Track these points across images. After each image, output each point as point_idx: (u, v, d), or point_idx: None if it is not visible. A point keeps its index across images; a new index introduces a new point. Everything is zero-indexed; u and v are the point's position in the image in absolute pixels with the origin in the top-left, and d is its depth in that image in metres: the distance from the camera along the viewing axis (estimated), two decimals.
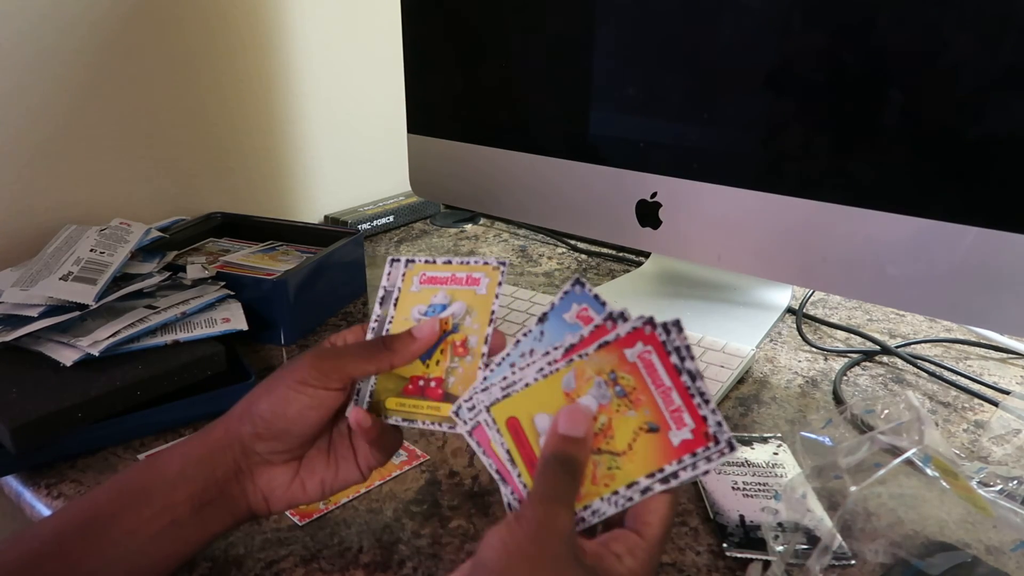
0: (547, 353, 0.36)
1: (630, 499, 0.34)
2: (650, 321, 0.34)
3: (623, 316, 0.35)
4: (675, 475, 0.33)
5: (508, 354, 0.38)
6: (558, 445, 0.34)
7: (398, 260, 0.45)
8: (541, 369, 0.36)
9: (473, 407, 0.37)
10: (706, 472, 0.33)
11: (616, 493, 0.34)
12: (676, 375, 0.34)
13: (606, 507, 0.34)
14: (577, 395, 0.35)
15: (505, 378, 0.36)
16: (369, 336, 0.43)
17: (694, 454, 0.33)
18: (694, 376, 0.33)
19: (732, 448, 0.33)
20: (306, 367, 0.40)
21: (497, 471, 0.36)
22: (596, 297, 0.38)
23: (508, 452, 0.36)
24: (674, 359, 0.34)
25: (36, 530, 0.39)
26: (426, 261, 0.44)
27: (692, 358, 0.34)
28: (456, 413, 0.38)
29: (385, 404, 0.42)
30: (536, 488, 0.33)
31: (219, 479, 0.40)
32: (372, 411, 0.42)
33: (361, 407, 0.42)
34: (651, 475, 0.34)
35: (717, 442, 0.33)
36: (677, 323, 0.34)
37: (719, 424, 0.33)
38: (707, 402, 0.33)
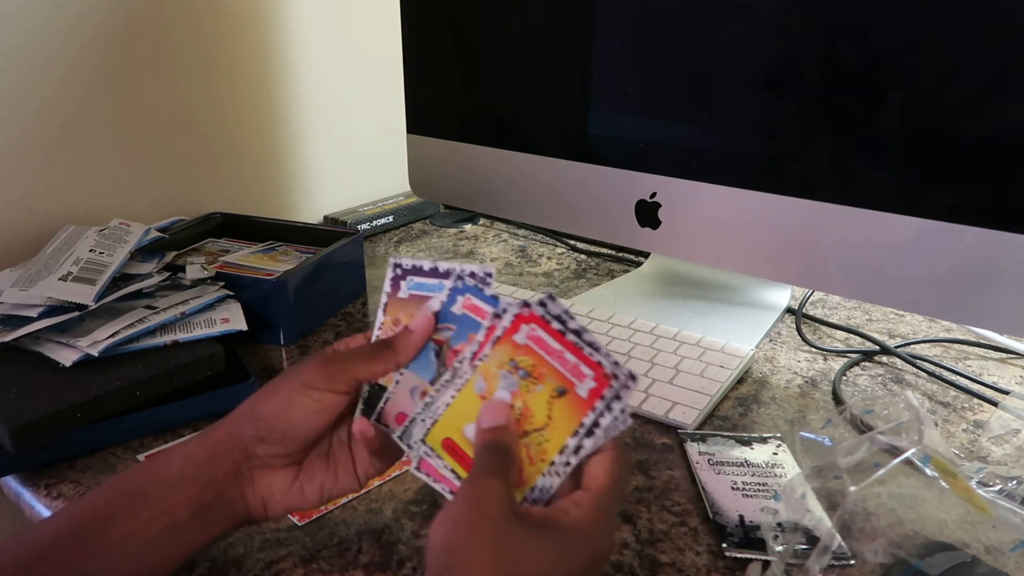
0: (455, 370, 0.39)
1: (567, 463, 0.36)
2: (526, 304, 0.37)
3: (504, 309, 0.38)
4: (596, 424, 0.35)
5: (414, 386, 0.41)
6: (484, 437, 0.36)
7: (402, 264, 0.44)
8: (453, 384, 0.38)
9: (410, 446, 0.40)
10: (623, 411, 0.35)
11: (552, 464, 0.36)
12: (561, 337, 0.36)
13: (548, 480, 0.36)
14: (490, 394, 0.38)
15: (427, 407, 0.39)
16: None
17: (602, 397, 0.35)
18: (579, 332, 0.36)
19: (633, 378, 0.35)
20: (312, 370, 0.40)
21: (451, 492, 0.38)
22: (477, 288, 0.40)
23: (452, 471, 0.38)
24: (555, 325, 0.37)
25: (34, 533, 0.38)
26: (414, 267, 0.44)
27: (572, 318, 0.36)
28: (405, 454, 0.41)
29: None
30: (471, 469, 0.35)
31: (218, 482, 0.40)
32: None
33: (365, 417, 0.42)
34: (575, 433, 0.36)
35: (617, 377, 0.35)
36: (550, 296, 0.37)
37: (614, 363, 0.35)
38: (597, 349, 0.36)
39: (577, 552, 0.33)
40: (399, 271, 0.44)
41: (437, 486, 0.39)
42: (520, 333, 0.37)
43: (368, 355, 0.41)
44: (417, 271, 0.43)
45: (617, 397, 0.35)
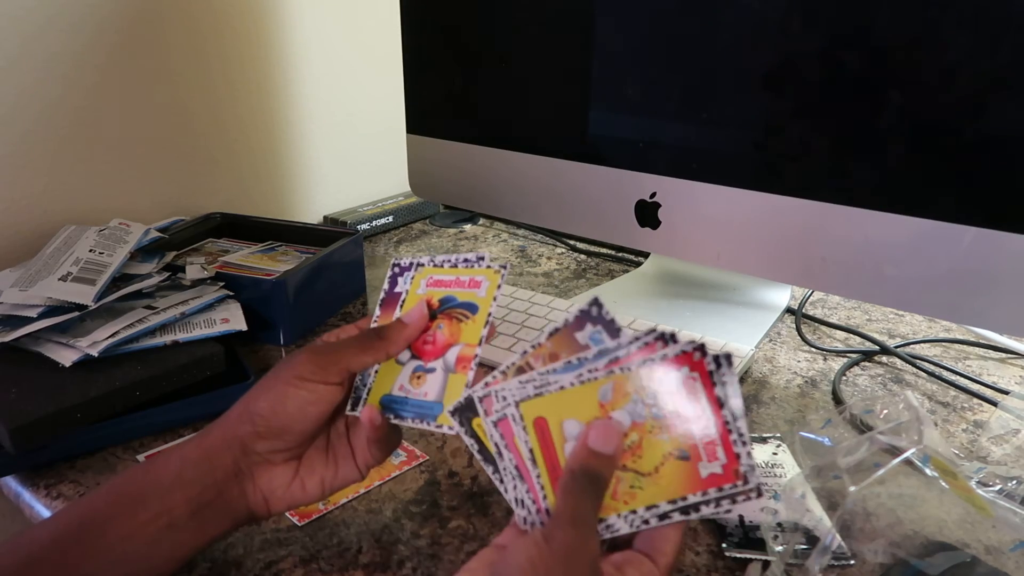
0: (589, 367, 0.35)
1: (646, 522, 0.33)
2: (700, 348, 0.33)
3: (673, 337, 0.34)
4: (696, 507, 0.33)
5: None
6: (587, 459, 0.33)
7: (401, 263, 0.45)
8: (580, 375, 0.35)
9: (504, 398, 0.36)
10: (727, 512, 0.33)
11: (634, 513, 0.33)
12: (718, 407, 0.33)
13: (621, 524, 0.34)
14: (612, 408, 0.34)
15: (540, 376, 0.35)
16: None
17: (720, 489, 0.32)
18: (736, 416, 0.33)
19: (760, 494, 0.32)
20: (304, 362, 0.40)
21: (516, 467, 0.35)
22: (612, 322, 0.36)
23: (531, 451, 0.35)
24: (719, 391, 0.33)
25: (32, 534, 0.38)
26: (432, 264, 0.44)
27: (738, 395, 0.33)
28: (479, 400, 0.36)
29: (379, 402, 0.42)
30: (565, 507, 0.33)
31: (218, 481, 0.40)
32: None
33: (358, 406, 0.42)
34: (673, 502, 0.33)
35: (746, 482, 0.32)
36: (728, 357, 0.33)
37: (751, 466, 0.32)
38: (744, 443, 0.33)
39: None
40: (397, 269, 0.44)
41: (502, 449, 0.36)
42: (678, 372, 0.33)
43: (359, 345, 0.41)
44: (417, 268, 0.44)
45: (732, 499, 0.32)
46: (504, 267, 0.42)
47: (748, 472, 0.32)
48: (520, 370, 0.37)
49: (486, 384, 0.37)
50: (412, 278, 0.44)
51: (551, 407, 0.35)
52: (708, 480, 0.33)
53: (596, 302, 0.36)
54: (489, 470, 0.37)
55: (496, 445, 0.36)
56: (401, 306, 0.44)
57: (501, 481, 0.36)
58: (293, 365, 0.40)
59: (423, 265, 0.44)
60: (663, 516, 0.33)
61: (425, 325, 0.42)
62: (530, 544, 0.31)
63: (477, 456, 0.37)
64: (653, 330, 0.34)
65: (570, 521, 0.32)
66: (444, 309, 0.43)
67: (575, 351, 0.36)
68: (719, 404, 0.33)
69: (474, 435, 0.37)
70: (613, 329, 0.36)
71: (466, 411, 0.38)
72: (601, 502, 0.33)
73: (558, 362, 0.36)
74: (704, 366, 0.33)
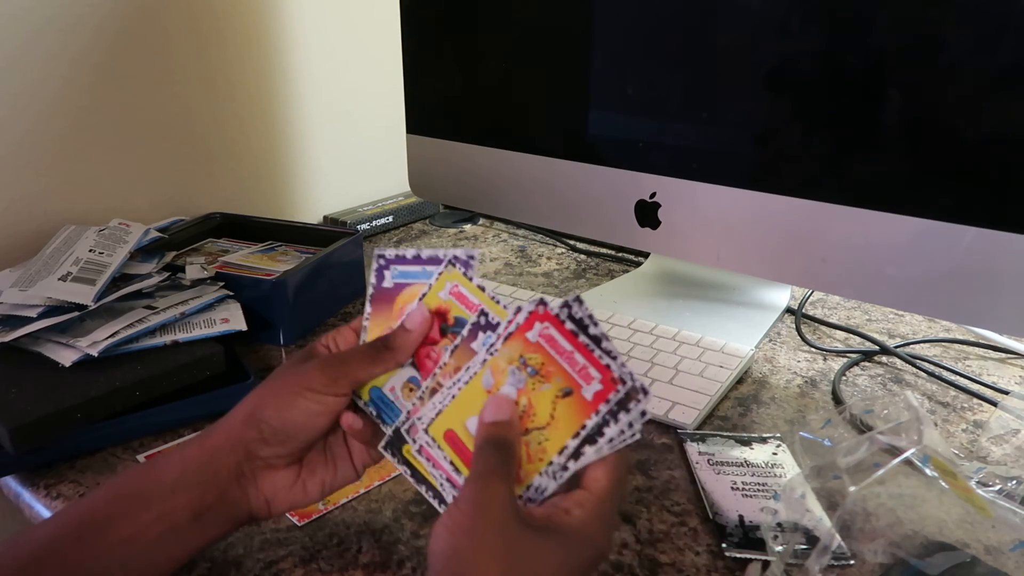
0: (467, 368, 0.38)
1: (564, 466, 0.35)
2: (541, 302, 0.37)
3: (519, 308, 0.38)
4: (599, 432, 0.35)
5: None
6: (486, 431, 0.36)
7: (387, 255, 0.44)
8: (461, 379, 0.38)
9: (419, 429, 0.39)
10: (631, 425, 0.34)
11: (551, 464, 0.36)
12: (574, 338, 0.36)
13: (546, 480, 0.36)
14: (497, 389, 0.37)
15: (441, 393, 0.39)
16: (363, 336, 0.44)
17: (607, 401, 0.35)
18: (597, 339, 0.35)
19: (644, 391, 0.34)
20: (314, 375, 0.40)
21: (448, 480, 0.38)
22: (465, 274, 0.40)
23: (451, 463, 0.38)
24: (569, 325, 0.36)
25: (32, 535, 0.38)
26: (466, 274, 0.42)
27: (594, 324, 0.36)
28: (406, 431, 0.40)
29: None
30: (472, 470, 0.35)
31: (220, 484, 0.40)
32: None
33: (350, 410, 0.42)
34: (576, 435, 0.35)
35: (624, 383, 0.34)
36: (578, 299, 0.36)
37: (627, 371, 0.35)
38: (612, 357, 0.35)
39: (580, 554, 0.33)
40: (382, 261, 0.44)
41: (434, 472, 0.39)
42: (533, 331, 0.37)
43: (368, 357, 0.41)
44: (400, 260, 0.44)
45: (625, 407, 0.34)
46: (472, 256, 0.42)
47: (624, 376, 0.35)
48: (433, 391, 0.40)
49: (407, 414, 0.40)
50: (439, 275, 0.43)
51: (453, 417, 0.38)
52: (594, 400, 0.35)
53: (482, 312, 0.39)
54: (422, 489, 0.40)
55: (428, 469, 0.39)
56: (422, 297, 0.42)
57: (435, 497, 0.39)
58: (302, 375, 0.40)
59: (455, 267, 0.42)
60: (575, 453, 0.35)
61: (429, 330, 0.42)
62: (443, 514, 0.33)
63: (410, 480, 0.40)
64: (508, 308, 0.38)
65: (472, 478, 0.34)
66: (456, 331, 0.41)
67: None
68: (574, 335, 0.36)
69: (406, 462, 0.40)
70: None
71: (396, 443, 0.41)
72: (512, 460, 0.35)
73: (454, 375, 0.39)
74: (550, 314, 0.37)
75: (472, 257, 0.42)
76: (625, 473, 0.36)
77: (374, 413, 0.42)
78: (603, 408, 0.35)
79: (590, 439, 0.35)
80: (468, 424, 0.38)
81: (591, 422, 0.35)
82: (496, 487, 0.33)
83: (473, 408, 0.38)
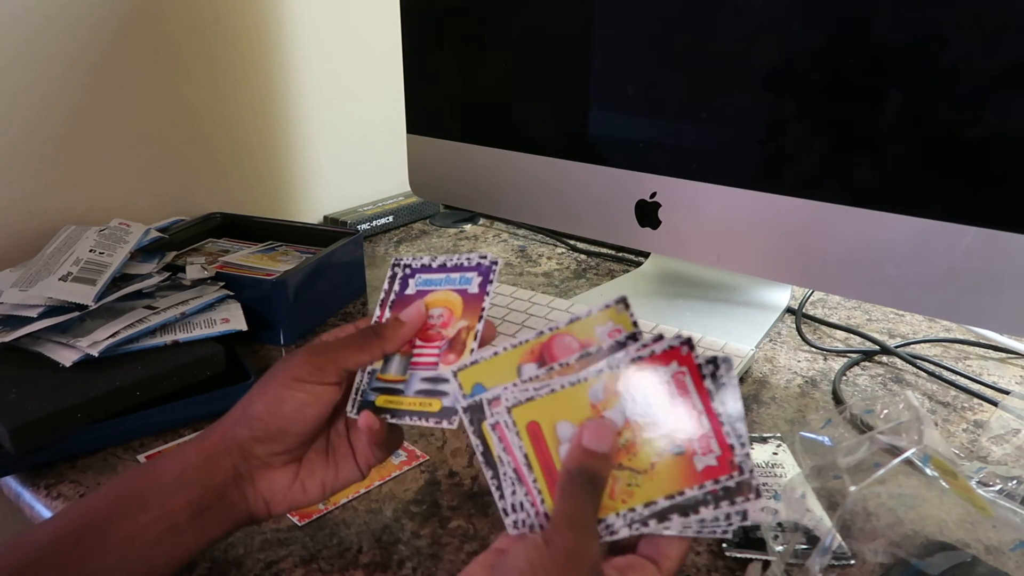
0: (584, 372, 0.35)
1: (645, 523, 0.33)
2: (687, 341, 0.33)
3: (660, 335, 0.34)
4: (695, 506, 0.32)
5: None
6: (582, 459, 0.33)
7: (412, 265, 0.45)
8: (570, 378, 0.35)
9: (500, 404, 0.36)
10: (728, 517, 0.32)
11: (632, 511, 0.33)
12: (708, 401, 0.33)
13: (619, 524, 0.33)
14: (604, 407, 0.34)
15: (531, 380, 0.36)
16: None
17: (716, 481, 0.32)
18: (732, 418, 0.33)
19: (758, 494, 0.32)
20: (300, 364, 0.40)
21: (514, 471, 0.35)
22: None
23: (526, 456, 0.35)
24: (708, 384, 0.33)
25: (31, 536, 0.38)
26: (423, 266, 0.44)
27: (736, 399, 0.33)
28: (487, 402, 0.36)
29: (375, 402, 0.42)
30: (564, 509, 0.33)
31: (218, 485, 0.40)
32: (363, 408, 0.42)
33: (354, 408, 0.42)
34: (670, 497, 0.33)
35: (741, 472, 0.32)
36: (726, 360, 0.33)
37: (747, 457, 0.32)
38: (740, 440, 0.32)
39: None
40: (408, 271, 0.44)
41: (502, 455, 0.36)
42: (667, 367, 0.34)
43: (354, 343, 0.41)
44: (426, 269, 0.44)
45: (730, 498, 0.32)
46: (495, 262, 0.42)
47: (743, 462, 0.32)
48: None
49: (501, 388, 0.37)
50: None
51: (543, 411, 0.35)
52: (704, 473, 0.32)
53: (632, 335, 0.36)
54: (488, 474, 0.36)
55: (496, 449, 0.36)
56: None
57: (498, 487, 0.36)
58: (289, 367, 0.40)
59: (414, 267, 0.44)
60: (661, 515, 0.33)
61: (421, 325, 0.42)
62: (530, 547, 0.31)
63: (480, 458, 0.37)
64: (655, 336, 0.34)
65: (569, 524, 0.32)
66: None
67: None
68: (709, 397, 0.33)
69: (482, 436, 0.37)
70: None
71: (476, 411, 0.37)
72: (600, 502, 0.33)
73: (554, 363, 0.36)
74: (691, 359, 0.33)
75: (495, 263, 0.42)
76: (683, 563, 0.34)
77: (389, 417, 0.41)
78: (709, 485, 0.32)
79: (682, 509, 0.32)
80: (558, 427, 0.35)
81: (691, 493, 0.32)
82: (591, 546, 0.32)
83: (569, 413, 0.35)
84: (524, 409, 0.35)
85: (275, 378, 0.40)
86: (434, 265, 0.43)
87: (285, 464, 0.42)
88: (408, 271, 0.45)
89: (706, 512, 0.32)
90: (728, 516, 0.32)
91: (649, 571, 0.32)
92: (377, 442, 0.42)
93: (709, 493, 0.32)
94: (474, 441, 0.37)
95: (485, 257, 0.42)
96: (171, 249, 0.76)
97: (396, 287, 0.45)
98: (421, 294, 0.43)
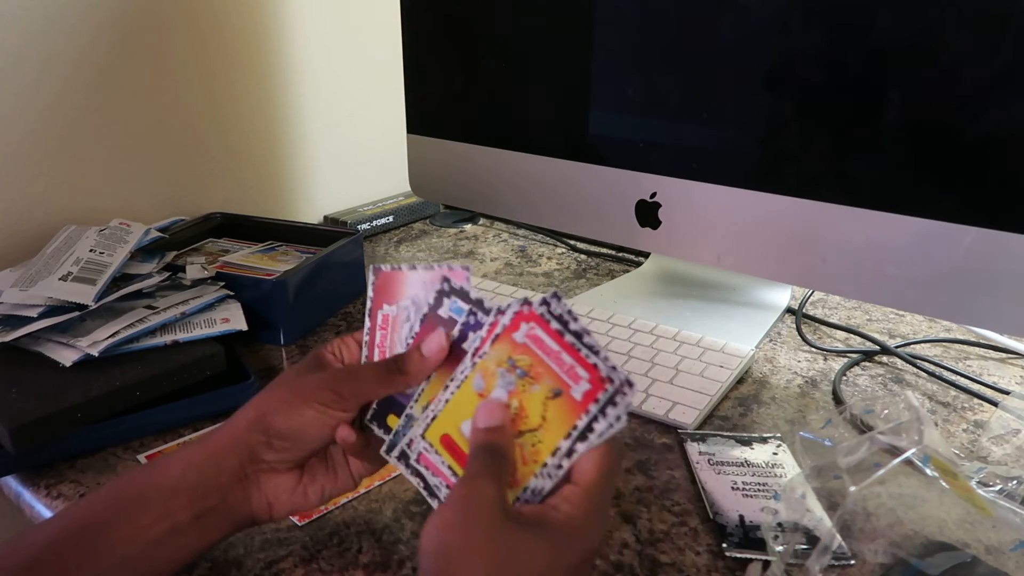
0: (459, 372, 0.39)
1: (559, 466, 0.35)
2: (526, 302, 0.37)
3: (501, 310, 0.38)
4: (589, 428, 0.35)
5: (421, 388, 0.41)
6: (480, 437, 0.36)
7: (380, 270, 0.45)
8: (452, 383, 0.39)
9: (411, 440, 0.40)
10: (619, 418, 0.34)
11: (545, 465, 0.36)
12: (560, 337, 0.36)
13: (541, 482, 0.36)
14: (488, 392, 0.38)
15: (427, 405, 0.39)
16: (364, 351, 0.44)
17: (596, 400, 0.35)
18: (579, 334, 0.36)
19: (630, 384, 0.34)
20: (325, 391, 0.40)
21: (447, 487, 0.39)
22: (468, 296, 0.40)
23: (450, 468, 0.39)
24: (555, 325, 0.36)
25: (31, 536, 0.38)
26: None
27: (574, 319, 0.36)
28: (394, 451, 0.41)
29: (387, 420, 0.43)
30: (465, 471, 0.35)
31: (222, 485, 0.40)
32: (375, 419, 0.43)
33: (347, 424, 0.42)
34: (568, 435, 0.35)
35: (612, 381, 0.34)
36: (555, 295, 0.36)
37: (611, 367, 0.35)
38: (595, 352, 0.35)
39: (570, 548, 0.33)
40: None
41: (433, 480, 0.39)
42: (520, 331, 0.37)
43: (380, 378, 0.41)
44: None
45: (612, 402, 0.35)
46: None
47: (611, 372, 0.35)
48: (428, 395, 0.40)
49: (406, 418, 0.41)
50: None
51: (446, 422, 0.39)
52: (584, 399, 0.35)
53: (471, 311, 0.40)
54: (434, 504, 0.39)
55: (428, 476, 0.39)
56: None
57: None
58: (314, 389, 0.40)
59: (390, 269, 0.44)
60: (568, 453, 0.35)
61: (443, 359, 0.40)
62: (433, 513, 0.33)
63: (423, 493, 0.40)
64: (490, 310, 0.38)
65: (463, 479, 0.34)
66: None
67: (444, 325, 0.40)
68: (560, 334, 0.36)
69: (418, 474, 0.40)
70: (465, 295, 0.40)
71: (403, 456, 0.41)
72: (505, 465, 0.35)
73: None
74: (535, 314, 0.37)
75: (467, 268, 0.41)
76: (615, 465, 0.36)
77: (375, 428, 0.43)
78: (593, 408, 0.35)
79: (581, 437, 0.35)
80: (463, 428, 0.38)
81: (582, 422, 0.35)
82: (484, 485, 0.33)
83: (467, 412, 0.38)
84: (433, 429, 0.39)
85: (298, 395, 0.40)
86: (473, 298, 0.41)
87: (290, 470, 0.42)
88: (447, 287, 0.41)
89: (600, 425, 0.35)
90: (618, 416, 0.35)
91: (567, 490, 0.35)
92: (356, 454, 0.42)
93: (596, 413, 0.35)
94: (414, 481, 0.40)
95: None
96: (171, 249, 0.76)
97: (372, 293, 0.44)
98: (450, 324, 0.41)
